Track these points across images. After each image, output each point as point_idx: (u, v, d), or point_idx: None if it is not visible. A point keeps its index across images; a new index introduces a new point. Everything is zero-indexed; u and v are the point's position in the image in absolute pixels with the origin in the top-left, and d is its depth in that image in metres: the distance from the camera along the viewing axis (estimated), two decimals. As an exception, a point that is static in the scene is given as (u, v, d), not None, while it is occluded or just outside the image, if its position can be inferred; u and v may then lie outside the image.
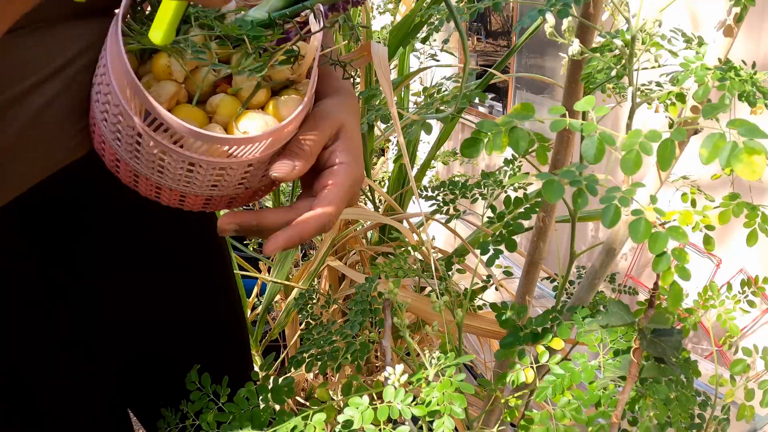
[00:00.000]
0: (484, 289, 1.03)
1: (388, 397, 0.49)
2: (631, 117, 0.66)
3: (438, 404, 0.50)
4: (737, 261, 3.13)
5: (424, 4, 1.21)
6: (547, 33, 0.58)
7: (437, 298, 0.55)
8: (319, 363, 0.67)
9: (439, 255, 1.31)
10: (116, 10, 0.49)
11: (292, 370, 0.67)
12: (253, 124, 0.51)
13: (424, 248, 0.79)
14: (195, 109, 0.52)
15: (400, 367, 0.49)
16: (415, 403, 0.49)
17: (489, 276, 1.09)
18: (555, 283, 1.16)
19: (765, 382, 0.73)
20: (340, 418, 0.49)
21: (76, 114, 0.56)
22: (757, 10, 2.18)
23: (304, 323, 0.76)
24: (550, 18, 0.58)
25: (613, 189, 0.42)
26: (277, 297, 1.44)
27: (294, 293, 1.26)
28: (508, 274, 1.11)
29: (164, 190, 0.55)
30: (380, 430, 0.46)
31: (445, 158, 1.78)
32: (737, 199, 0.76)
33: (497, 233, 0.63)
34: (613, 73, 0.72)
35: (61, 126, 0.55)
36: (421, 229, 1.28)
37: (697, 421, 0.76)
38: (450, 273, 0.92)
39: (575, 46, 0.59)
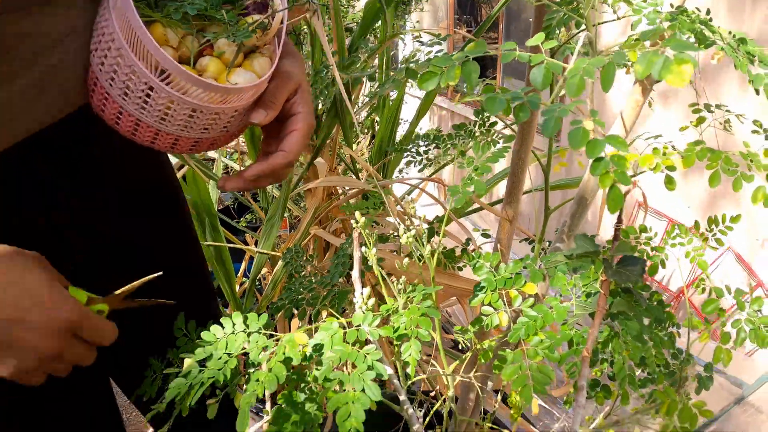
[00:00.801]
0: (465, 252, 1.05)
1: (357, 321, 0.51)
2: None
3: (406, 329, 0.52)
4: (725, 240, 3.17)
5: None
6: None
7: (405, 233, 0.57)
8: (299, 310, 0.69)
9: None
10: None
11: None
12: (243, 78, 0.64)
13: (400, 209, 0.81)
14: (191, 68, 0.63)
15: (366, 290, 0.51)
16: (382, 325, 0.51)
17: (468, 239, 1.11)
18: (534, 245, 1.18)
19: (738, 321, 0.75)
20: (311, 342, 0.51)
21: (79, 72, 0.66)
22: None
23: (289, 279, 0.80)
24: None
25: (556, 105, 0.44)
26: (264, 270, 1.47)
27: (280, 264, 1.28)
28: (485, 236, 1.13)
29: (161, 136, 0.65)
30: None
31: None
32: (701, 145, 0.78)
33: (467, 177, 0.66)
34: (582, 39, 0.75)
35: (69, 80, 0.65)
36: (409, 197, 1.31)
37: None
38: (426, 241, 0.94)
39: (531, -11, 0.62)
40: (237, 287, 1.58)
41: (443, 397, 0.86)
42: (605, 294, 0.62)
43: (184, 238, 0.98)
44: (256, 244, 1.51)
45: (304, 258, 0.82)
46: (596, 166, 0.42)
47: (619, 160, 0.43)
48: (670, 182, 0.73)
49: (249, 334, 0.52)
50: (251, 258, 1.71)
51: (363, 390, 0.47)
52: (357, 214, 0.55)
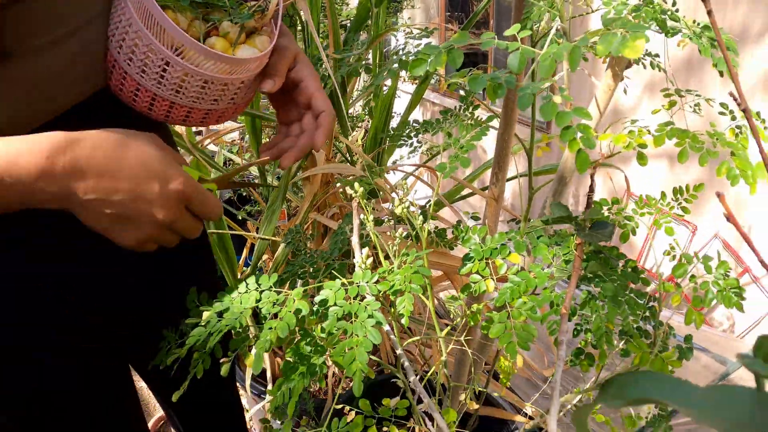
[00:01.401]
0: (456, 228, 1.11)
1: (357, 278, 0.58)
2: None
3: (400, 285, 0.59)
4: (712, 227, 3.24)
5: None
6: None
7: (399, 203, 0.64)
8: (301, 281, 0.76)
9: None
10: None
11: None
12: (247, 52, 0.72)
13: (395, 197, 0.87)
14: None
15: (365, 251, 0.57)
16: (378, 281, 0.57)
17: (459, 221, 1.18)
18: (520, 224, 1.25)
19: (705, 283, 0.82)
20: (317, 299, 0.58)
21: (98, 57, 0.72)
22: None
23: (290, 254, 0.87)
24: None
25: (530, 83, 0.51)
26: (265, 257, 1.53)
27: (280, 249, 1.35)
28: (475, 218, 1.20)
29: (175, 108, 0.73)
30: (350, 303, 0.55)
31: (422, 127, 1.86)
32: (670, 126, 0.85)
33: (454, 155, 0.72)
34: (554, 30, 0.82)
35: (92, 63, 0.72)
36: (406, 182, 1.37)
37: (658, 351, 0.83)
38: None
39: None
40: (239, 274, 1.64)
41: (436, 365, 0.92)
42: (580, 256, 0.68)
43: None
44: (257, 232, 1.58)
45: (305, 236, 0.88)
46: (565, 133, 0.49)
47: (585, 128, 0.49)
48: (641, 158, 0.80)
49: (261, 292, 0.58)
50: (252, 247, 1.78)
51: (366, 336, 0.53)
52: (356, 184, 0.62)
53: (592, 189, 0.70)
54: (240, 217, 2.08)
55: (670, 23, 0.78)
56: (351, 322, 0.55)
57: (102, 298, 0.86)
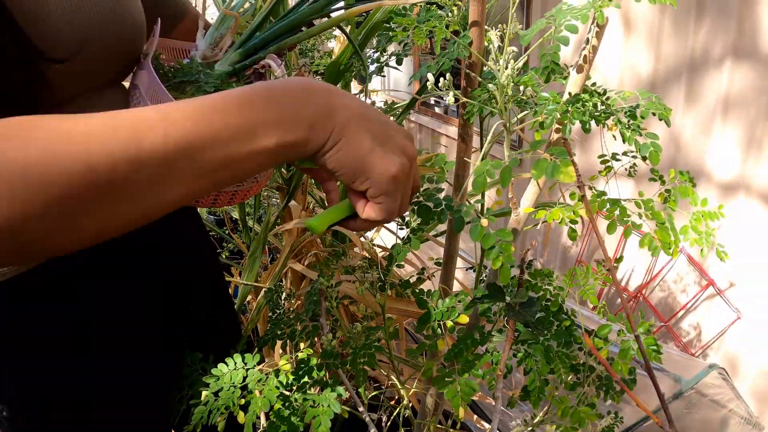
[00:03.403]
0: (420, 280, 1.24)
1: (324, 356, 0.71)
2: (507, 146, 0.88)
3: (358, 362, 0.72)
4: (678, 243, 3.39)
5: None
6: (429, 88, 0.81)
7: (360, 284, 0.77)
8: (280, 342, 0.88)
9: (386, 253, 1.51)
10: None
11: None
12: None
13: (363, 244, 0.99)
14: None
15: (330, 335, 0.70)
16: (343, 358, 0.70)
17: (423, 268, 1.31)
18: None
19: (627, 341, 0.95)
20: (291, 374, 0.71)
21: None
22: (684, 10, 2.40)
23: (271, 313, 1.00)
24: (431, 76, 0.81)
25: (461, 206, 0.64)
26: (249, 297, 1.65)
27: (263, 292, 1.47)
28: (438, 264, 1.33)
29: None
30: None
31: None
32: (603, 196, 0.97)
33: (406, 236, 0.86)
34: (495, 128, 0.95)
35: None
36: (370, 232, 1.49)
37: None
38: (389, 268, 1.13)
39: (450, 96, 0.82)
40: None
41: (401, 405, 1.05)
42: (511, 329, 0.81)
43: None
44: (240, 275, 1.70)
45: (282, 297, 1.01)
46: (490, 253, 0.62)
47: (505, 247, 0.62)
48: (572, 232, 0.93)
49: (247, 370, 0.71)
50: (236, 287, 1.90)
51: (329, 405, 0.66)
52: (320, 277, 0.74)
53: (522, 270, 0.83)
54: (224, 255, 2.19)
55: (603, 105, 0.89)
56: (318, 393, 0.68)
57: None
